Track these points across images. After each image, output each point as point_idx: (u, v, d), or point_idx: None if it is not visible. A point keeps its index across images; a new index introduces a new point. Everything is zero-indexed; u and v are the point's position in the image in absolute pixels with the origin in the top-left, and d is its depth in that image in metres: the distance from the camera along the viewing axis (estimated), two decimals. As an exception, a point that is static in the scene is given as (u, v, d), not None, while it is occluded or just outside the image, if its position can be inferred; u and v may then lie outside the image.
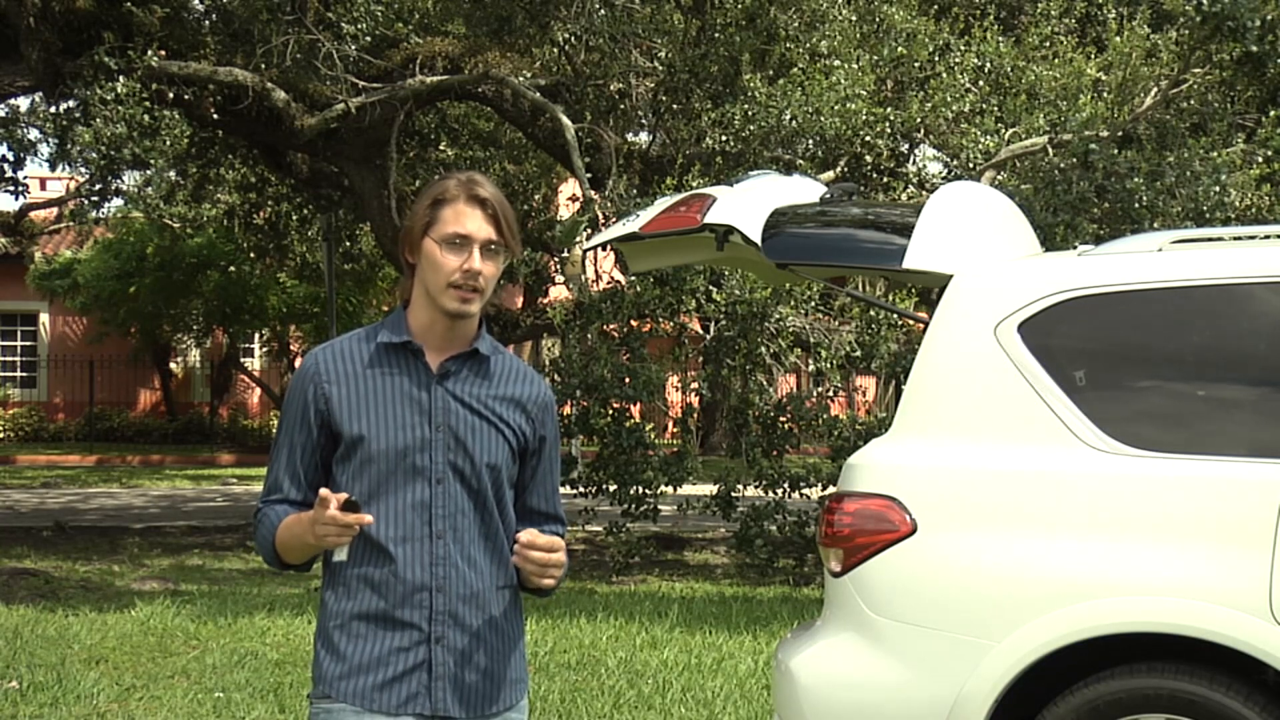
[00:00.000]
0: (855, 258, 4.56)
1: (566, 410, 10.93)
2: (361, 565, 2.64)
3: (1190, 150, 9.79)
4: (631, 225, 5.03)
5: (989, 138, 11.24)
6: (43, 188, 26.85)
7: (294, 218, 17.70)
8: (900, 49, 11.59)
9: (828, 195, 4.85)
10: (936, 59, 11.63)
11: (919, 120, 11.43)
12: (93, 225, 25.71)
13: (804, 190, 4.96)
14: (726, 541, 13.03)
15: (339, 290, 21.17)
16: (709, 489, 11.64)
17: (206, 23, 12.98)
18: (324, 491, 2.53)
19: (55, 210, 23.85)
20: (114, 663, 7.30)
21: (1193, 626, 3.70)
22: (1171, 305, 4.01)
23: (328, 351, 2.71)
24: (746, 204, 4.72)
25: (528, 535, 2.62)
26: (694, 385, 12.00)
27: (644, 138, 13.96)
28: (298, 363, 22.14)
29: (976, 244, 4.36)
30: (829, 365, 11.49)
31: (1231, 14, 9.16)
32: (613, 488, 10.84)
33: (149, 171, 17.04)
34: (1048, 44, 11.72)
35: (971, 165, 11.37)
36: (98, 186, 15.15)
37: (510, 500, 2.74)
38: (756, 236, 4.55)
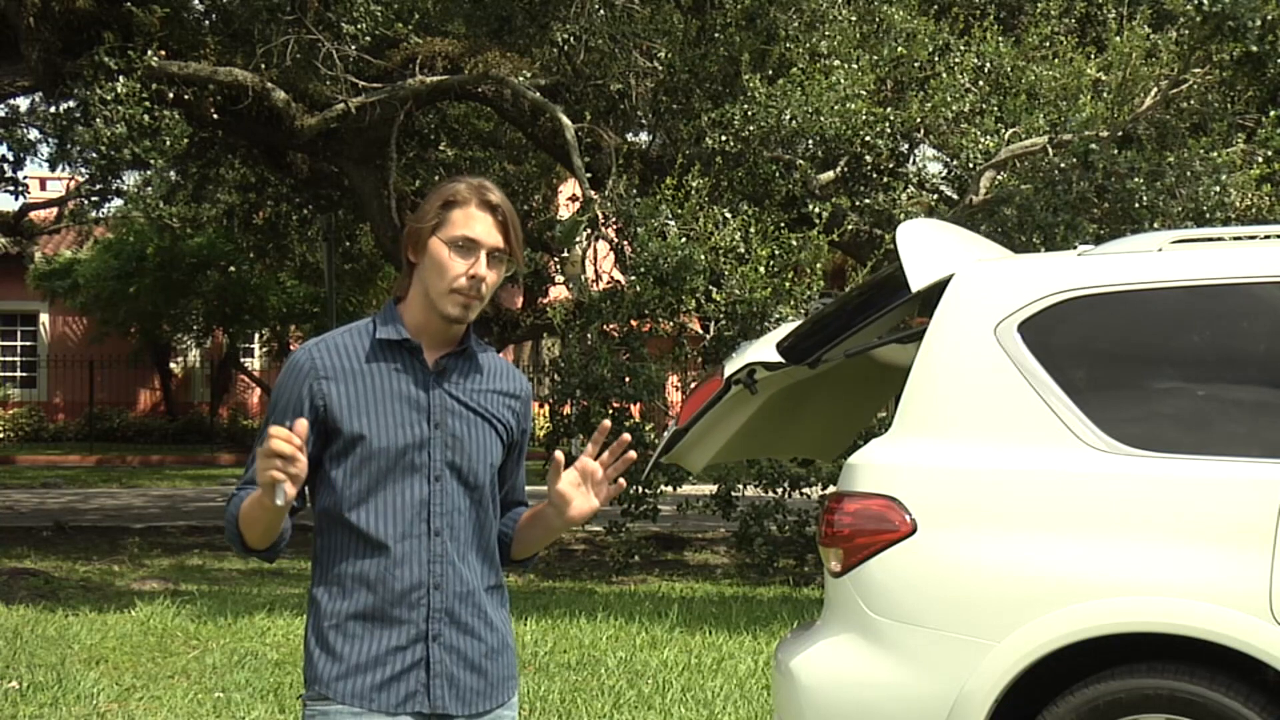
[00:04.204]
0: (871, 310, 4.57)
1: (566, 410, 10.93)
2: (358, 564, 2.62)
3: (1190, 150, 9.78)
4: (669, 433, 5.09)
5: (989, 138, 11.23)
6: (43, 188, 26.86)
7: (294, 218, 17.71)
8: (900, 49, 11.58)
9: (814, 307, 5.03)
10: (936, 59, 11.62)
11: (919, 120, 11.42)
12: (93, 225, 25.76)
13: (788, 327, 5.07)
14: (726, 541, 13.03)
15: (339, 290, 21.17)
16: (709, 489, 11.64)
17: (206, 23, 12.97)
18: (274, 429, 2.44)
19: (55, 210, 23.84)
20: (114, 663, 7.30)
21: (1193, 626, 3.70)
22: (1171, 305, 4.01)
23: (321, 347, 2.68)
24: (751, 348, 4.84)
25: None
26: (694, 385, 11.99)
27: (644, 138, 13.96)
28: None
29: (961, 249, 4.42)
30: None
31: (1231, 14, 9.15)
32: (613, 488, 10.83)
33: (149, 171, 17.10)
34: (1048, 44, 11.70)
35: (971, 165, 11.35)
36: (98, 186, 15.17)
37: (498, 497, 2.75)
38: (776, 357, 4.62)
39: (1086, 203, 9.86)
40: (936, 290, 4.22)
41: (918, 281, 4.23)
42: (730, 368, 4.78)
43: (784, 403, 5.04)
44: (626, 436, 2.65)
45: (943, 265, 4.25)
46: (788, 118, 10.78)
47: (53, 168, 13.92)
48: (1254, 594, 3.65)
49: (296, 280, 24.47)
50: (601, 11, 12.05)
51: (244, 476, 2.68)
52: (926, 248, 4.37)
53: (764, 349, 4.72)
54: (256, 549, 2.65)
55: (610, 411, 10.74)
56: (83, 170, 14.86)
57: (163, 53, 11.33)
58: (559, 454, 2.65)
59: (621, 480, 2.66)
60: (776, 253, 10.55)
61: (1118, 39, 10.83)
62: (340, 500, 2.63)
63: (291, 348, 27.70)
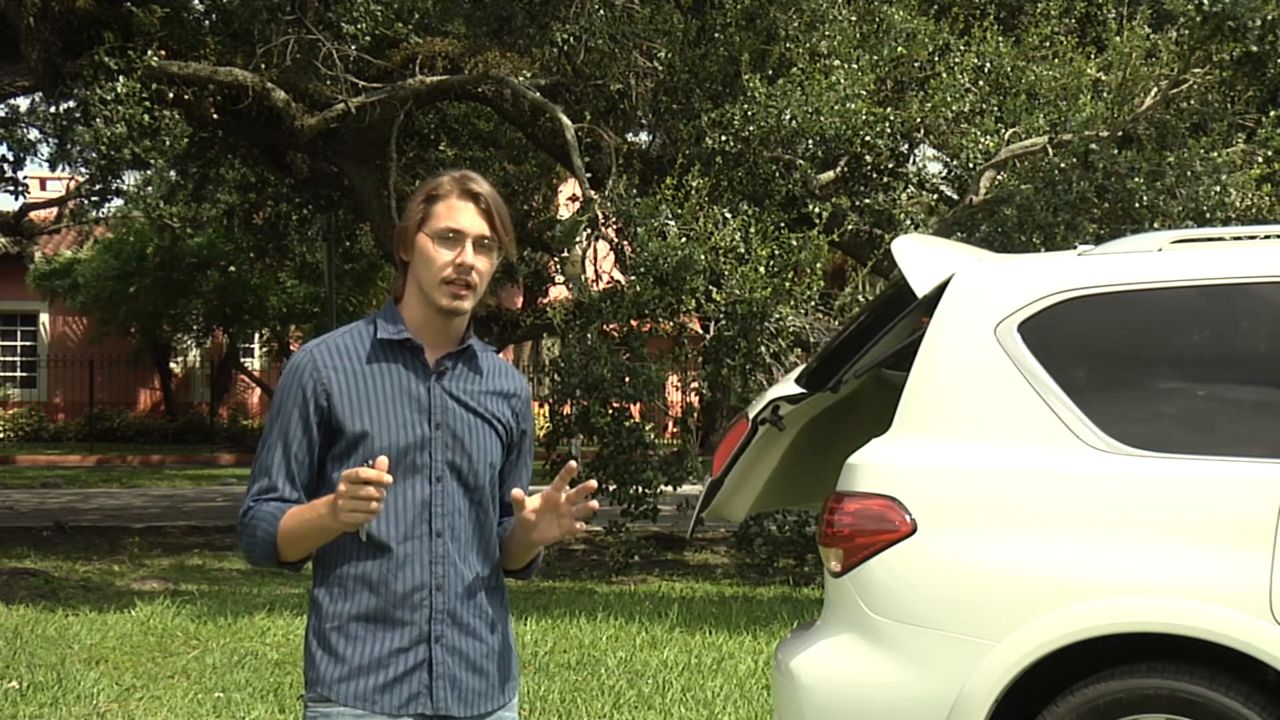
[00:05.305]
0: (884, 323, 4.54)
1: (566, 410, 10.93)
2: (360, 565, 2.62)
3: (1190, 150, 9.78)
4: (705, 486, 5.06)
5: (989, 138, 11.23)
6: (43, 188, 26.86)
7: (294, 218, 17.71)
8: (900, 49, 11.57)
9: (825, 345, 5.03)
10: (936, 59, 11.62)
11: (919, 120, 11.41)
12: (93, 225, 25.77)
13: (803, 366, 5.04)
14: (726, 541, 13.03)
15: (339, 290, 21.18)
16: (709, 489, 11.61)
17: (206, 23, 12.98)
18: (351, 473, 2.46)
19: (55, 210, 23.86)
20: (114, 663, 7.30)
21: (1193, 626, 3.70)
22: (1171, 305, 4.01)
23: (323, 347, 2.68)
24: (772, 389, 4.83)
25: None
26: (694, 385, 12.00)
27: (644, 138, 13.96)
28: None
29: (954, 253, 4.42)
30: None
31: (1231, 14, 9.15)
32: (613, 487, 10.84)
33: (149, 171, 17.11)
34: (1048, 44, 11.70)
35: (971, 165, 11.35)
36: (98, 186, 15.18)
37: (497, 498, 2.75)
38: (797, 390, 4.58)
39: (1086, 203, 9.86)
40: (939, 292, 4.22)
41: (921, 287, 4.23)
42: (754, 410, 4.75)
43: (815, 441, 5.00)
44: (592, 484, 2.63)
45: (943, 267, 4.26)
46: (788, 118, 10.78)
47: (53, 168, 13.94)
48: (1254, 594, 3.65)
49: (296, 280, 24.48)
50: (601, 11, 12.04)
51: (258, 487, 2.65)
52: (924, 254, 4.37)
53: (784, 386, 4.71)
54: (290, 561, 2.65)
55: (610, 411, 10.75)
56: (83, 170, 14.89)
57: (163, 53, 11.33)
58: (572, 463, 2.63)
59: (581, 524, 2.64)
60: (776, 253, 10.55)
61: (1118, 39, 10.82)
62: (341, 501, 2.62)
63: (291, 348, 27.70)
